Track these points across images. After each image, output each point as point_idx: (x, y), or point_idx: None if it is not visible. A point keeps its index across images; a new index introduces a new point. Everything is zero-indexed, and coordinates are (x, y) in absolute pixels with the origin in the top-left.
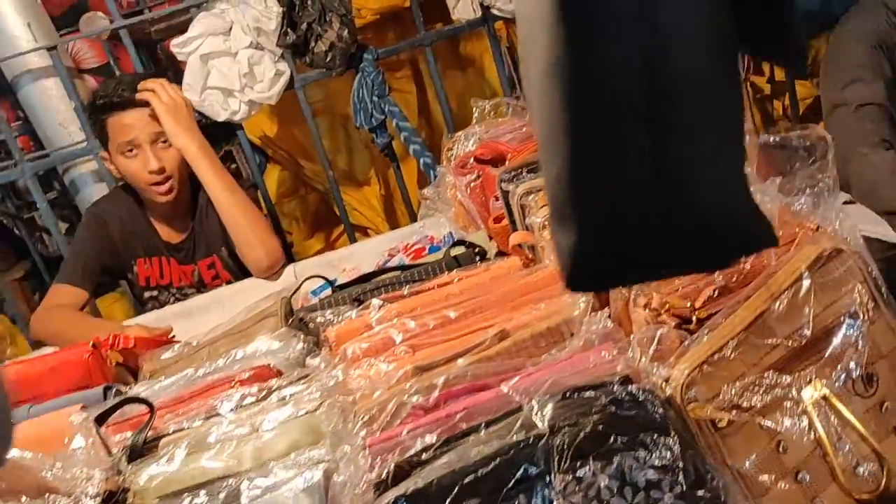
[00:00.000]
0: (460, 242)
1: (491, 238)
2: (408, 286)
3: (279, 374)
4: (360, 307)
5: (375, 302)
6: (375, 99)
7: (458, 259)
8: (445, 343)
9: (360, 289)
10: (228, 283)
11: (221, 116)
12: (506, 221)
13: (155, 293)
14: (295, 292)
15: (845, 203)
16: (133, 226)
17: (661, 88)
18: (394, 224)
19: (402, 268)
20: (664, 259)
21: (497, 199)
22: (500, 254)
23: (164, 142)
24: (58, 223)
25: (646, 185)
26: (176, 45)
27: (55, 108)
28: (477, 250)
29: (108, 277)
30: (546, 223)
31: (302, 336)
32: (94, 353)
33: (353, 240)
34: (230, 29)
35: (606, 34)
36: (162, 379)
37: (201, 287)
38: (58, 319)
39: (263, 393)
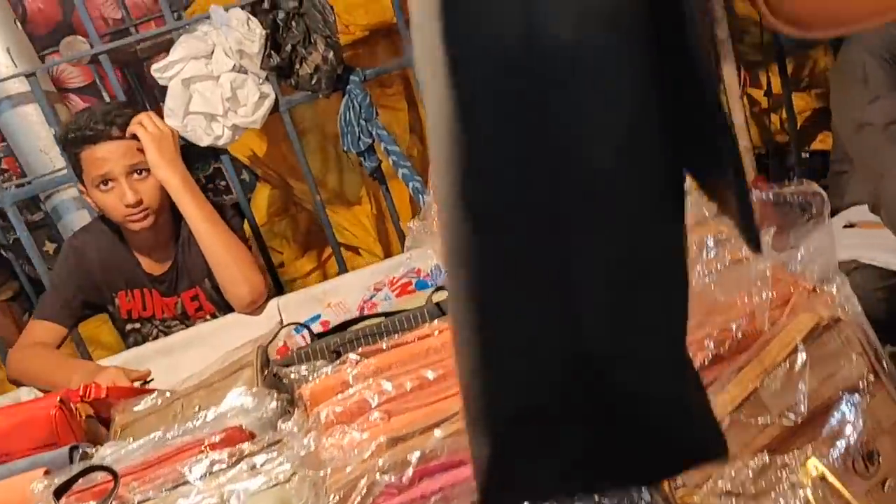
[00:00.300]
0: (443, 288)
1: None
2: (387, 338)
3: (251, 436)
4: (337, 362)
5: (352, 357)
6: (363, 122)
7: (440, 306)
8: (422, 408)
9: (338, 339)
10: (213, 315)
11: (204, 141)
12: None
13: (138, 325)
14: (272, 340)
15: (846, 227)
16: (113, 258)
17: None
18: (385, 244)
19: (384, 315)
20: (595, 471)
21: None
22: None
23: (140, 172)
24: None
25: (571, 375)
26: (157, 70)
27: (36, 135)
28: None
29: (88, 311)
30: None
31: (276, 394)
32: (61, 409)
33: (341, 264)
34: (212, 52)
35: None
36: (129, 441)
37: (185, 319)
38: (34, 359)
39: (234, 458)
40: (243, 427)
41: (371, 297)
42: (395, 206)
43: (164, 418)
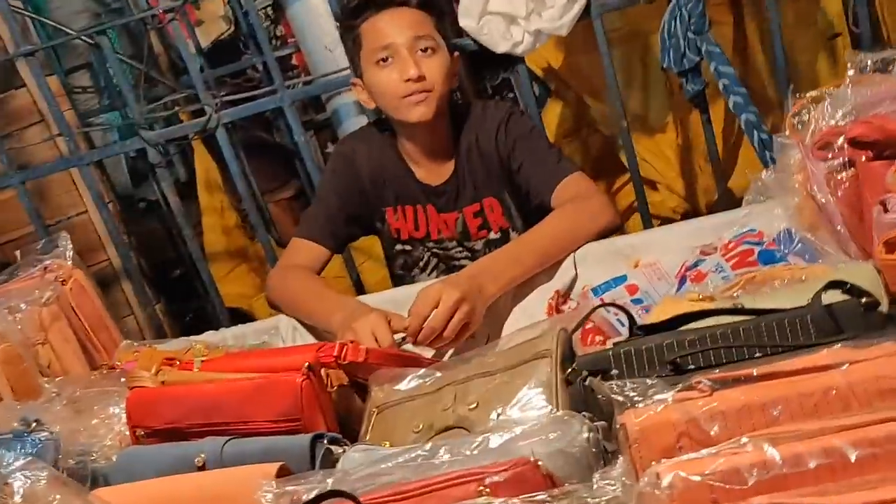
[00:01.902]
0: (837, 284)
1: (879, 272)
2: (750, 352)
3: (550, 480)
4: (681, 386)
5: (705, 383)
6: (691, 36)
7: (833, 313)
8: None
9: (675, 344)
10: (504, 231)
11: (501, 48)
12: None
13: (408, 247)
14: (580, 325)
15: None
16: (384, 166)
17: None
18: (689, 182)
19: (738, 312)
20: None
21: (887, 210)
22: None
23: (426, 50)
24: (323, 150)
25: None
26: None
27: (321, 29)
28: (865, 301)
29: (355, 230)
30: None
31: (587, 420)
32: (309, 378)
33: (641, 196)
34: None
35: None
36: (384, 448)
37: (465, 239)
38: (293, 285)
39: None
40: (540, 464)
41: (696, 264)
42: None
43: (433, 410)
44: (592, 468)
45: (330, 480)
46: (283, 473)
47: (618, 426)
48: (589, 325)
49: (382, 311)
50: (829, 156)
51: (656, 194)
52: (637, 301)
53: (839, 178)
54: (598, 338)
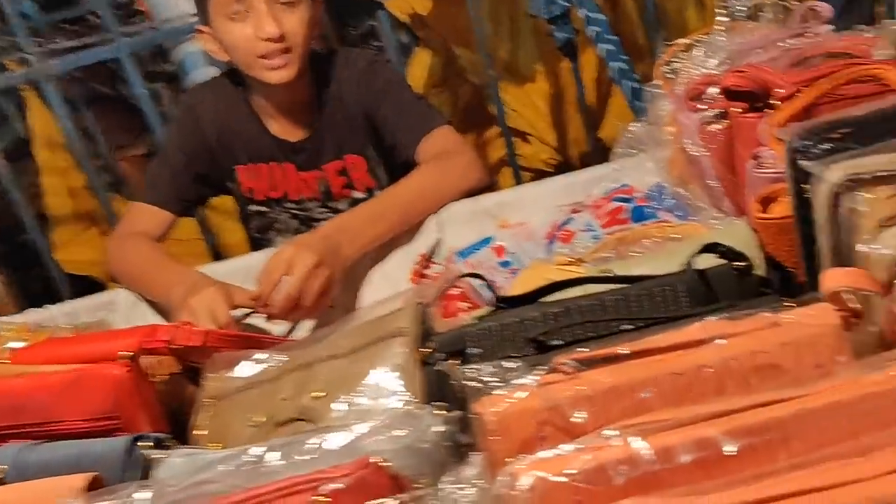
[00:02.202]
0: (712, 248)
1: (754, 232)
2: (621, 326)
3: (397, 483)
4: (544, 369)
5: (569, 364)
6: None
7: (707, 279)
8: None
9: (538, 318)
10: (370, 191)
11: None
12: (782, 210)
13: (264, 209)
14: (438, 297)
15: None
16: (233, 120)
17: None
18: (561, 133)
19: (608, 279)
20: None
21: (759, 165)
22: (773, 266)
23: (286, 2)
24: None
25: None
26: None
27: None
28: (739, 266)
29: (202, 189)
30: None
31: (441, 412)
32: (130, 370)
33: (511, 149)
34: None
35: None
36: (210, 451)
37: (328, 200)
38: (132, 255)
39: None
40: (385, 465)
41: (565, 223)
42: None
43: (272, 400)
44: (445, 465)
45: (143, 495)
46: (95, 485)
47: (475, 416)
48: (455, 292)
49: (225, 284)
50: (701, 107)
51: (528, 146)
52: (504, 264)
53: (711, 130)
54: (463, 304)
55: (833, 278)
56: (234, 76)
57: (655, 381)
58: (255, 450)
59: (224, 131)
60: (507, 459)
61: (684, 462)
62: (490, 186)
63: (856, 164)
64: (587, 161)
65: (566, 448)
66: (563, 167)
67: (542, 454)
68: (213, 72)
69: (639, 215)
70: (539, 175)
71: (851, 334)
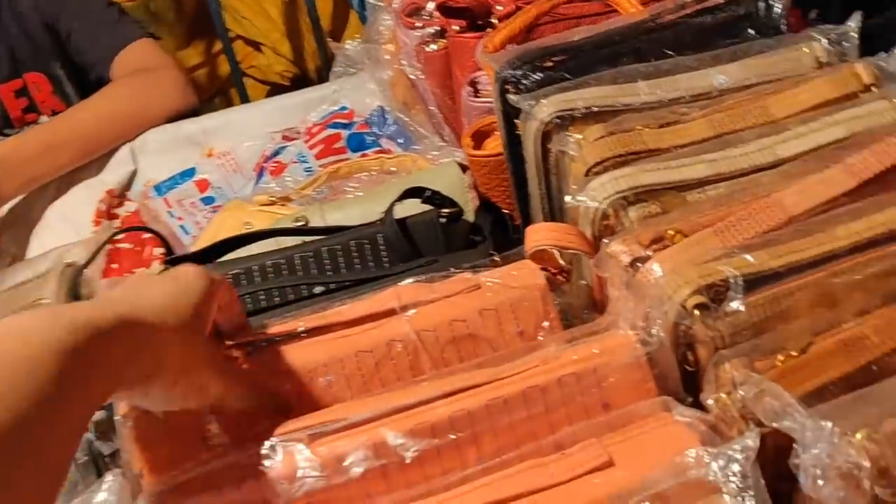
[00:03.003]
0: (416, 192)
1: (465, 170)
2: (309, 289)
3: None
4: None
5: (238, 347)
6: None
7: (409, 230)
8: None
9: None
10: (57, 114)
11: None
12: (495, 146)
13: None
14: (90, 262)
15: None
16: None
17: None
18: (297, 44)
19: (302, 231)
20: None
21: (475, 93)
22: (487, 208)
23: None
24: None
25: None
26: None
27: None
28: (445, 214)
29: None
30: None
31: None
32: None
33: (234, 68)
34: None
35: None
36: None
37: (6, 126)
38: None
39: None
40: None
41: (276, 153)
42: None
43: None
44: (78, 483)
45: None
46: None
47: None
48: (146, 236)
49: None
50: (419, 24)
51: (261, 57)
52: (208, 200)
53: (429, 51)
54: (160, 251)
55: (537, 234)
56: None
57: (338, 364)
58: None
59: None
60: (158, 475)
61: (357, 473)
62: (196, 109)
63: (566, 98)
64: (326, 77)
65: (214, 464)
66: (301, 81)
67: (182, 474)
68: None
69: (357, 144)
70: (277, 89)
71: (558, 295)
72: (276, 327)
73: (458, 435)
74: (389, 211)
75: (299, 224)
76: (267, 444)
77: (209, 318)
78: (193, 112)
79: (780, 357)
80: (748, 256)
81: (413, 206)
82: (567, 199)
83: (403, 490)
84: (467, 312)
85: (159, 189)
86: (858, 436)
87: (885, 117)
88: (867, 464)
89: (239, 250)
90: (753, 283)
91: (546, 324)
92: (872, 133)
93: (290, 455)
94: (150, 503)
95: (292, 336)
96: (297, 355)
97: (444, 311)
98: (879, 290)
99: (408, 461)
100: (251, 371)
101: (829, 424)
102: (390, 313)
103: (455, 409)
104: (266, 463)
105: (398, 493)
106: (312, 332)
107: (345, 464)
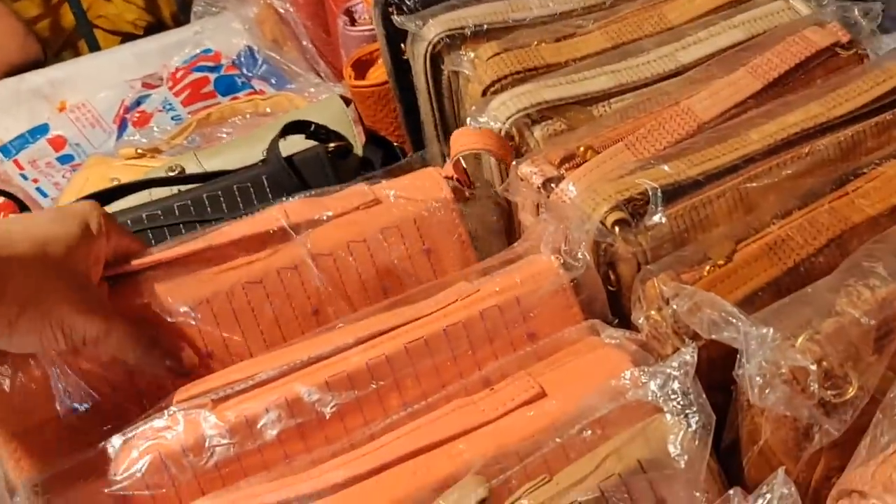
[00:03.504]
0: (300, 127)
1: (348, 104)
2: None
3: None
4: None
5: None
6: None
7: (296, 167)
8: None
9: None
10: None
11: None
12: (378, 74)
13: None
14: None
15: None
16: None
17: None
18: None
19: (177, 180)
20: None
21: (354, 21)
22: (375, 141)
23: None
24: None
25: None
26: None
27: None
28: (332, 148)
29: None
30: (521, 125)
31: None
32: None
33: (82, 19)
34: None
35: None
36: None
37: None
38: None
39: None
40: None
41: (138, 103)
42: None
43: None
44: None
45: None
46: None
47: None
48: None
49: None
50: None
51: (110, 6)
52: (66, 159)
53: None
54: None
55: (463, 139)
56: None
57: (227, 297)
58: None
59: None
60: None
61: (272, 436)
62: (40, 61)
63: (455, 17)
64: (185, 23)
65: (115, 445)
66: (156, 29)
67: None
68: None
69: (227, 87)
70: (129, 39)
71: (467, 206)
72: (155, 255)
73: (379, 384)
74: (273, 148)
75: (175, 173)
76: (165, 412)
77: (88, 254)
78: (37, 65)
79: (707, 267)
80: (665, 167)
81: (297, 144)
82: (468, 122)
83: (324, 447)
84: (367, 231)
85: (6, 150)
86: (800, 339)
87: (783, 17)
88: (814, 367)
89: (110, 206)
90: (673, 193)
91: (453, 237)
92: (772, 34)
93: (193, 423)
94: (31, 494)
95: (173, 265)
96: (179, 290)
97: (340, 231)
98: (797, 190)
99: (327, 417)
100: (125, 308)
101: (771, 330)
102: (280, 234)
103: (371, 355)
104: (167, 435)
105: (319, 451)
106: (194, 257)
107: (257, 427)
